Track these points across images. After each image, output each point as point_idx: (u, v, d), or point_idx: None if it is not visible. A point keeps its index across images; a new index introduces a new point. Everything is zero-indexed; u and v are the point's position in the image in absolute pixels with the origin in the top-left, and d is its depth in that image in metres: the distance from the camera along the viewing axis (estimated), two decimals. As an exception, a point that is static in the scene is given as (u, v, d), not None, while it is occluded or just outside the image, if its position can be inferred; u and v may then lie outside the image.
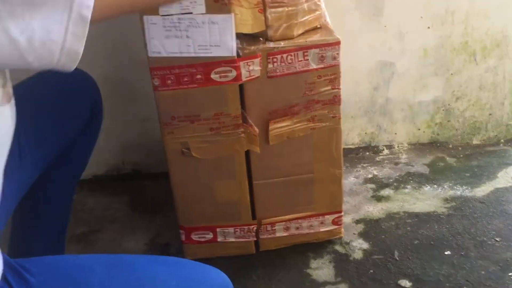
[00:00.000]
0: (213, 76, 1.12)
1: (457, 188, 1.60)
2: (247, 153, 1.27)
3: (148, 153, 1.71)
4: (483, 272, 1.28)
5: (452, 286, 1.25)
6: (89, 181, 1.73)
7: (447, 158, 1.75)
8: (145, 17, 1.05)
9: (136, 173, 1.76)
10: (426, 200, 1.56)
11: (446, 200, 1.55)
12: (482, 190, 1.59)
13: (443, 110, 1.78)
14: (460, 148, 1.80)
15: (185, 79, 1.13)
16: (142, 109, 1.65)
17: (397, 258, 1.35)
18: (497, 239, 1.39)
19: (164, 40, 1.07)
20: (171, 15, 1.05)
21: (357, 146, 1.82)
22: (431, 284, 1.27)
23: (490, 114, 1.78)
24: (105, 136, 1.70)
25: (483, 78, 1.73)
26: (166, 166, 1.29)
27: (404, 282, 1.28)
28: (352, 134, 1.80)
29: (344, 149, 1.33)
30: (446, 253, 1.36)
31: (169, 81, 1.13)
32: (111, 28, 1.53)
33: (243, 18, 1.07)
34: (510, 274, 1.27)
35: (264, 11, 1.10)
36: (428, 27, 1.65)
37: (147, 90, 1.46)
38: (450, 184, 1.62)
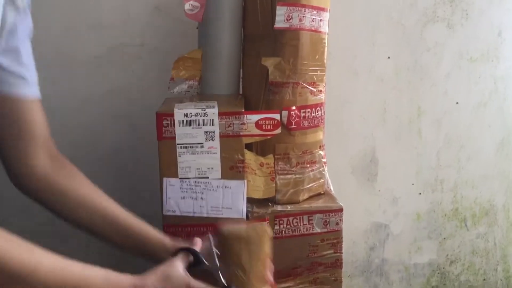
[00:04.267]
0: (222, 235, 1.18)
1: None
2: (248, 313, 1.27)
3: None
4: None
5: None
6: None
7: (446, 324, 1.74)
8: (164, 179, 1.14)
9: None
10: None
11: None
12: None
13: (438, 273, 1.81)
14: (457, 315, 1.80)
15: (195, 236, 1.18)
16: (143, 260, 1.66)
17: None
18: None
19: (180, 200, 1.14)
20: (189, 178, 1.14)
21: (354, 307, 1.81)
22: None
23: (484, 280, 1.82)
24: None
25: (475, 243, 1.80)
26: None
27: None
28: (349, 294, 1.80)
29: (343, 310, 1.34)
30: None
31: (179, 238, 1.18)
32: (125, 182, 1.62)
33: (255, 184, 1.16)
34: None
35: (274, 178, 1.20)
36: (420, 193, 1.76)
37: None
38: None
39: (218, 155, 1.12)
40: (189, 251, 0.91)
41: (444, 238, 1.79)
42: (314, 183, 1.26)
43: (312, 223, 1.22)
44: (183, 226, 1.17)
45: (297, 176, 1.22)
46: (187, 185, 1.14)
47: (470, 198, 1.77)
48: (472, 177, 1.76)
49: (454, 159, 1.75)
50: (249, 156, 1.15)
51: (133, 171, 1.59)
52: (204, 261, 0.90)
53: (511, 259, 1.81)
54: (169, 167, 1.14)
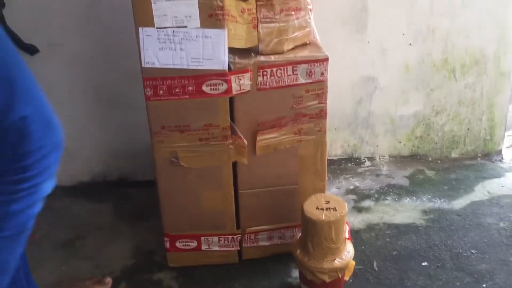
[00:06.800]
0: (204, 88, 1.15)
1: (436, 200, 1.65)
2: (234, 163, 1.29)
3: (134, 160, 1.72)
4: (458, 283, 1.33)
5: (429, 296, 1.30)
6: (74, 187, 1.73)
7: (427, 171, 1.81)
8: (140, 29, 1.07)
9: (122, 180, 1.76)
10: (406, 212, 1.61)
11: (424, 212, 1.60)
12: (459, 203, 1.64)
13: (423, 124, 1.83)
14: (439, 161, 1.86)
15: (177, 90, 1.15)
16: (129, 117, 1.66)
17: (376, 269, 1.39)
18: (473, 251, 1.44)
19: (158, 52, 1.09)
20: (166, 27, 1.07)
21: (339, 157, 1.86)
22: (409, 294, 1.31)
23: (468, 129, 1.85)
24: (92, 143, 1.72)
25: (462, 94, 1.79)
26: (152, 174, 1.30)
27: (383, 292, 1.32)
28: (335, 146, 1.84)
29: (327, 160, 1.37)
30: (423, 264, 1.40)
31: (161, 91, 1.15)
32: (102, 36, 1.55)
33: (237, 33, 1.10)
34: (484, 285, 1.32)
35: (256, 26, 1.13)
36: (410, 44, 1.71)
37: (135, 98, 1.49)
38: (429, 197, 1.67)
39: (196, 1, 1.05)
40: None
41: (432, 89, 1.78)
42: (299, 32, 1.20)
43: (297, 74, 1.19)
44: (163, 79, 1.14)
45: (281, 24, 1.16)
46: (164, 35, 1.08)
47: (461, 48, 1.72)
48: (465, 26, 1.69)
49: (448, 6, 1.66)
50: (229, 2, 1.07)
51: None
52: None
53: (496, 109, 1.82)
54: (144, 16, 1.07)
